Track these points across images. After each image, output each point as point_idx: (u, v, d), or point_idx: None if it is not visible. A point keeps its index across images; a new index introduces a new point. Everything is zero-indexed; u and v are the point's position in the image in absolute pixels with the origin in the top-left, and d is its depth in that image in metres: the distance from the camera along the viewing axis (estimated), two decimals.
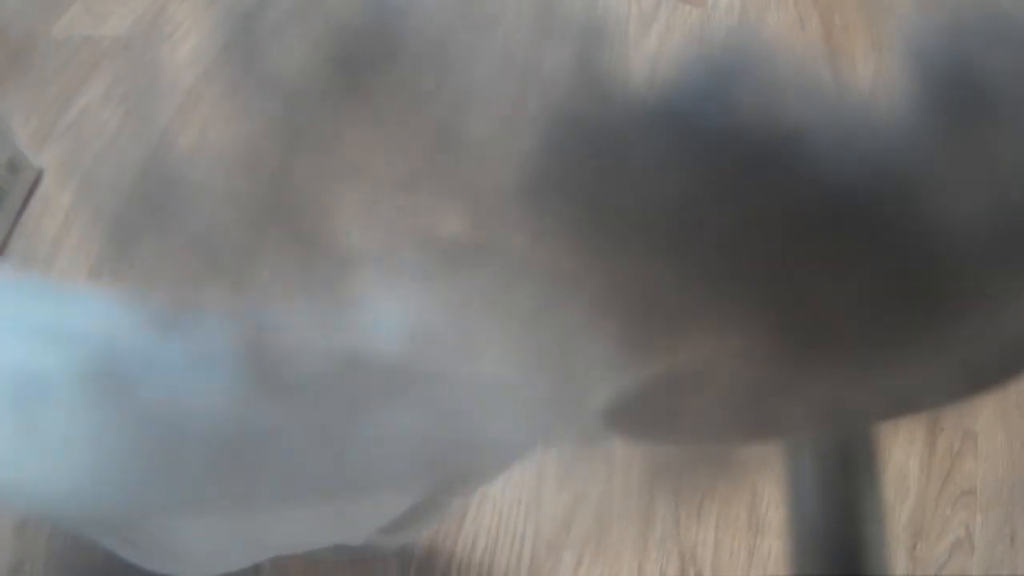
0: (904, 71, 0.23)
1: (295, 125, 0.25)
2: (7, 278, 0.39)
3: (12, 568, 0.60)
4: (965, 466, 0.73)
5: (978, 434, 0.75)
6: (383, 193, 0.25)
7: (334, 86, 0.24)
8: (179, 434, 0.30)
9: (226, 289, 0.26)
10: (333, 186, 0.25)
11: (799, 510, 0.31)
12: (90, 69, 0.92)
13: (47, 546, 0.61)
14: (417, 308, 0.26)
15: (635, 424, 0.28)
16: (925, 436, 0.73)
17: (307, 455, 0.30)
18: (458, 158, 0.24)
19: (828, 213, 0.23)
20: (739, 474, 0.28)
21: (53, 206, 0.81)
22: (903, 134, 0.23)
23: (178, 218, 0.26)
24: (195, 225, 0.26)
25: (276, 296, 0.26)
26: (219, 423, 0.29)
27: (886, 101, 0.23)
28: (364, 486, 0.32)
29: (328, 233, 0.25)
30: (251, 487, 0.31)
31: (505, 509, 0.63)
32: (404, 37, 0.24)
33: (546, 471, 0.63)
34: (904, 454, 0.72)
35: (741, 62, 0.23)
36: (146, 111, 0.82)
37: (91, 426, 0.30)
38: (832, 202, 0.22)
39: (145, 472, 0.31)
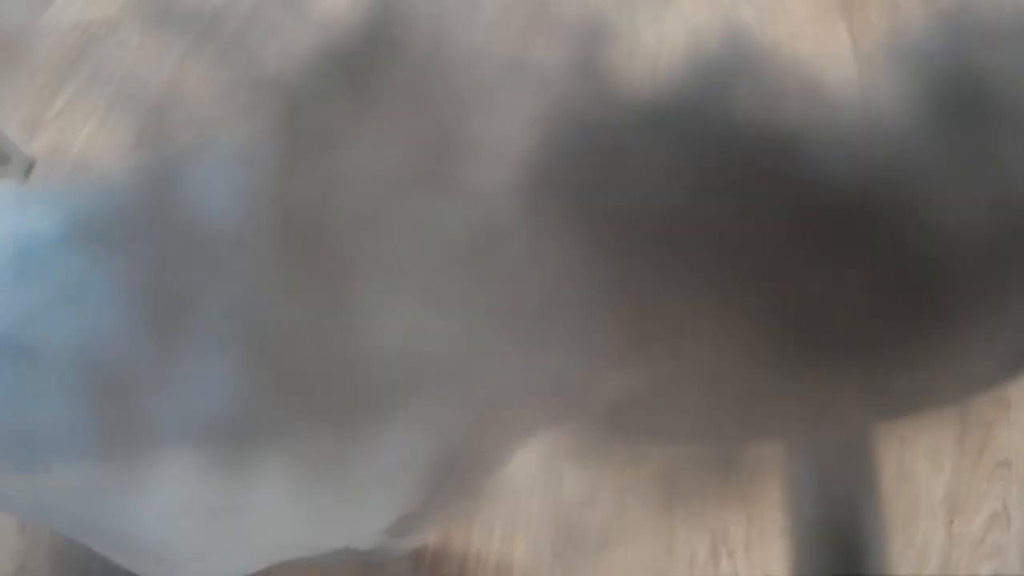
0: (905, 71, 0.23)
1: (297, 125, 0.25)
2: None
3: (17, 569, 0.60)
4: (1000, 436, 0.72)
5: (1011, 401, 0.74)
6: (384, 193, 0.25)
7: (336, 86, 0.25)
8: (177, 430, 0.29)
9: (229, 289, 0.26)
10: (334, 186, 0.25)
11: (799, 510, 0.33)
12: (79, 54, 0.91)
13: (50, 547, 0.61)
14: (418, 308, 0.26)
15: (637, 423, 0.28)
16: (958, 407, 0.72)
17: (308, 452, 0.29)
18: (459, 158, 0.25)
19: (828, 214, 0.23)
20: (740, 475, 0.28)
21: None
22: (903, 135, 0.23)
23: (179, 216, 0.26)
24: (196, 225, 0.26)
25: (278, 296, 0.26)
26: (218, 419, 0.28)
27: (887, 102, 0.23)
28: (366, 486, 0.31)
29: (330, 233, 0.25)
30: (248, 479, 0.30)
31: (522, 491, 0.62)
32: (405, 37, 0.25)
33: (561, 448, 0.61)
34: (936, 427, 0.71)
35: (742, 63, 0.24)
36: (136, 93, 0.82)
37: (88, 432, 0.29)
38: (832, 203, 0.23)
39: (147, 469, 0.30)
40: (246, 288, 0.26)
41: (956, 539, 0.66)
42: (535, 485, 0.59)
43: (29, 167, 0.85)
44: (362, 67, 0.24)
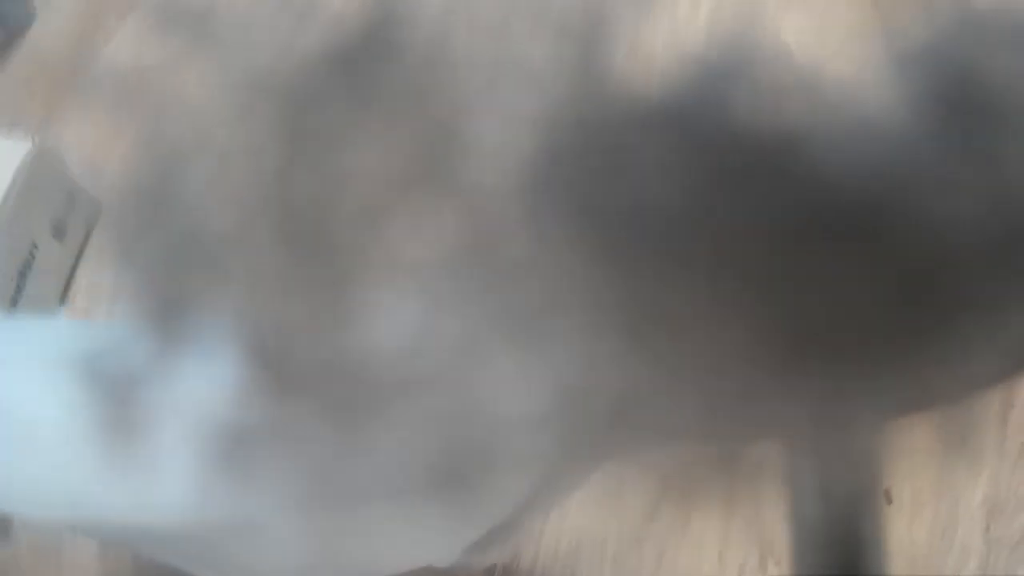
0: (905, 72, 0.24)
1: (297, 126, 0.25)
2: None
3: None
4: None
5: None
6: (384, 193, 0.25)
7: (335, 87, 0.25)
8: (181, 435, 0.29)
9: (229, 289, 0.27)
10: (334, 186, 0.25)
11: (799, 510, 0.32)
12: (140, 95, 0.92)
13: (132, 568, 0.62)
14: (418, 308, 0.26)
15: (638, 423, 0.28)
16: (998, 411, 0.72)
17: (314, 457, 0.29)
18: (458, 158, 0.24)
19: (828, 214, 0.23)
20: (740, 474, 0.28)
21: None
22: (904, 136, 0.23)
23: (179, 216, 0.26)
24: (196, 225, 0.26)
25: (278, 296, 0.26)
26: (222, 423, 0.28)
27: (887, 102, 0.23)
28: (376, 493, 0.31)
29: (329, 233, 0.25)
30: (257, 488, 0.30)
31: (590, 507, 0.62)
32: (405, 38, 0.25)
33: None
34: (979, 431, 0.70)
35: (742, 64, 0.24)
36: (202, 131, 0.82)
37: (94, 438, 0.29)
38: (832, 203, 0.23)
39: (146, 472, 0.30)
40: (246, 288, 0.26)
41: (993, 544, 0.66)
42: (599, 498, 0.60)
43: (96, 211, 0.84)
44: (362, 67, 0.24)
